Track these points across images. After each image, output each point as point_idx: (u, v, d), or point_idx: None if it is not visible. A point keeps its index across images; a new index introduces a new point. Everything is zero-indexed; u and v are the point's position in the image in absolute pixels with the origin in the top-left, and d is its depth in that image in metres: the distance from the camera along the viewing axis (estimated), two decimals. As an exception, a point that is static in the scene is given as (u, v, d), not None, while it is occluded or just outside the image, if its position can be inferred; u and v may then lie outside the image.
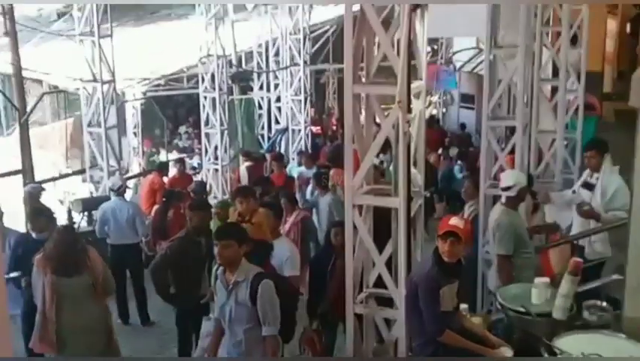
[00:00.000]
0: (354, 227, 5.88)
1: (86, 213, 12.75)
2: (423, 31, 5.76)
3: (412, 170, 5.81)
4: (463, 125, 22.83)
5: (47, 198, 11.28)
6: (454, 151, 17.74)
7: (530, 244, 7.28)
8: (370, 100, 5.95)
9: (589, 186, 7.75)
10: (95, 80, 12.96)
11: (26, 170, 13.32)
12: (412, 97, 5.52)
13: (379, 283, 6.06)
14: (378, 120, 6.04)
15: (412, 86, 5.51)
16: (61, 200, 16.46)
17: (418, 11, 5.55)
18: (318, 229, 10.12)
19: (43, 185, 11.86)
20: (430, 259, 5.05)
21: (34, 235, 8.00)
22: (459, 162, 16.76)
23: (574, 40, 11.64)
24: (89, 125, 13.40)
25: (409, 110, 5.45)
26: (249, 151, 17.41)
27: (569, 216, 7.97)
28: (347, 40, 5.53)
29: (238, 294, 5.47)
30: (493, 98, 8.48)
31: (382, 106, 6.07)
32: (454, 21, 14.72)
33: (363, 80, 5.81)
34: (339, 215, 9.36)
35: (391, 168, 6.23)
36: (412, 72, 5.47)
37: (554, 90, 11.84)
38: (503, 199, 7.12)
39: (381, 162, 14.45)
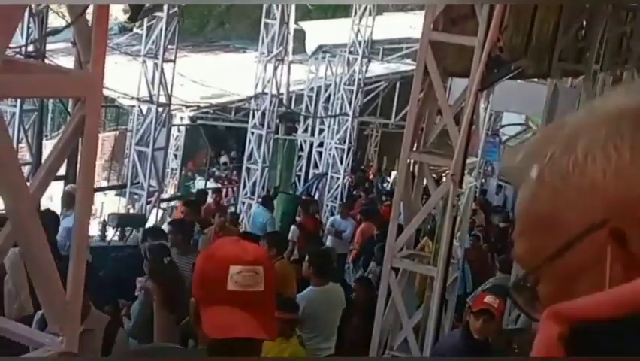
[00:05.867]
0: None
1: (119, 228, 12.91)
2: (486, 110, 5.90)
3: (454, 243, 5.90)
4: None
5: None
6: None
7: None
8: (423, 167, 6.08)
9: None
10: (151, 102, 13.23)
11: (69, 177, 13.49)
12: (465, 172, 5.64)
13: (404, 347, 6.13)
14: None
15: (467, 161, 5.63)
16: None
17: (485, 92, 5.70)
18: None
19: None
20: (458, 333, 5.08)
21: None
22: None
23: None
24: (138, 143, 13.65)
25: (461, 185, 5.56)
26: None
27: None
28: (412, 108, 5.68)
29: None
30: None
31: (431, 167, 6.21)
32: (509, 96, 14.84)
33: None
34: None
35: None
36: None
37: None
38: None
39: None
